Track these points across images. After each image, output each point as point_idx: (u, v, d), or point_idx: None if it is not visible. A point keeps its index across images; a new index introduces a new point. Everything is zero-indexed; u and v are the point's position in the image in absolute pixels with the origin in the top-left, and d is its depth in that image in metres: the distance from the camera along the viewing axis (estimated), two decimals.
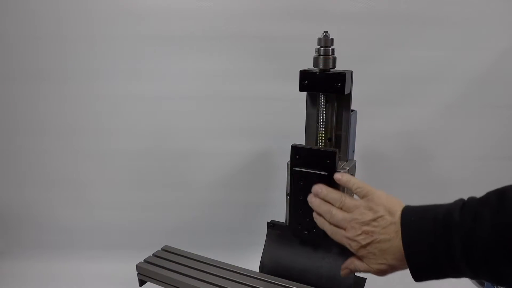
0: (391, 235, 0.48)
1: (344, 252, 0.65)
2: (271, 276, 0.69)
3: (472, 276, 0.44)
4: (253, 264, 0.73)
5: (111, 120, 1.00)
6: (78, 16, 0.93)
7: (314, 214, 0.59)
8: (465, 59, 0.97)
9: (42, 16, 0.93)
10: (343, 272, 0.58)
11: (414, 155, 1.04)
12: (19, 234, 1.08)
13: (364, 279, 0.70)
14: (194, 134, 1.02)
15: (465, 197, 0.46)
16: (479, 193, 0.45)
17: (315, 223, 0.63)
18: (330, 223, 0.56)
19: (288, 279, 0.67)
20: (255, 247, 0.77)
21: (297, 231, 0.66)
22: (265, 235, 0.73)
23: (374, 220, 0.50)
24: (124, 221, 1.06)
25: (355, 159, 0.70)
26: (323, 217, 0.57)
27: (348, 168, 0.63)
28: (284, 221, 0.71)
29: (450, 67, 0.98)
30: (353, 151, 0.70)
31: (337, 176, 0.59)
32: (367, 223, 0.51)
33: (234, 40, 0.95)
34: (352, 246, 0.52)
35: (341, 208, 0.55)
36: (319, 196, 0.58)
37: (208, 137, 1.02)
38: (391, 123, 1.01)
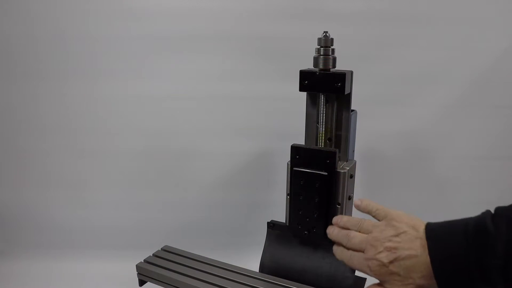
0: (418, 251, 0.44)
1: None
2: (271, 276, 0.69)
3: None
4: (253, 264, 0.73)
5: (111, 120, 1.00)
6: (78, 16, 0.93)
7: (334, 247, 0.57)
8: (465, 59, 0.97)
9: (42, 16, 0.93)
10: None
11: (414, 155, 1.04)
12: (19, 234, 1.08)
13: (364, 279, 0.70)
14: (194, 134, 1.02)
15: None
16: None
17: (315, 223, 0.63)
18: (348, 249, 0.52)
19: (288, 279, 0.67)
20: (255, 247, 0.77)
21: (297, 231, 0.66)
22: (265, 235, 0.73)
23: (397, 235, 0.46)
24: (124, 221, 1.06)
25: (355, 159, 0.70)
26: (342, 244, 0.54)
27: (348, 168, 0.63)
28: (284, 221, 0.71)
29: (450, 67, 0.98)
30: (353, 151, 0.70)
31: (357, 202, 0.56)
32: (389, 239, 0.47)
33: (234, 40, 0.95)
34: (372, 268, 0.47)
35: (359, 232, 0.52)
36: (339, 225, 0.56)
37: (208, 137, 1.02)
38: (391, 123, 1.01)
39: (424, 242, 0.44)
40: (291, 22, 0.94)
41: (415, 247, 0.45)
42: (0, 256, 1.05)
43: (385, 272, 0.46)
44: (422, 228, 0.46)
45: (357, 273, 0.65)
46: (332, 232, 0.57)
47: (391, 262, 0.46)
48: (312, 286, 0.65)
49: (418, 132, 1.02)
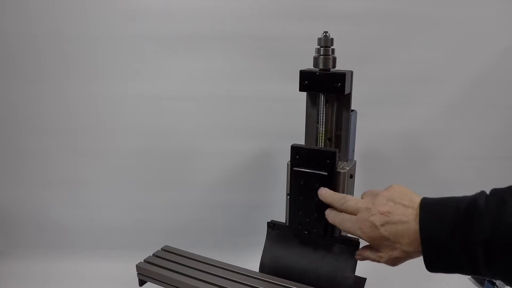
0: (409, 218, 0.46)
1: (344, 252, 0.66)
2: (271, 276, 0.69)
3: (485, 269, 0.41)
4: (253, 264, 0.73)
5: (111, 119, 1.00)
6: (78, 16, 0.93)
7: (327, 210, 0.58)
8: (465, 59, 0.97)
9: (42, 15, 0.93)
10: (356, 257, 0.57)
11: (414, 155, 1.04)
12: (19, 234, 1.08)
13: (364, 279, 0.70)
14: (194, 134, 1.02)
15: None
16: None
17: (315, 223, 0.63)
18: (341, 212, 0.54)
19: (288, 279, 0.67)
20: (255, 247, 0.77)
21: (297, 231, 0.66)
22: (265, 235, 0.73)
23: (392, 200, 0.48)
24: (124, 221, 1.06)
25: (355, 159, 0.70)
26: (334, 207, 0.56)
27: (348, 168, 0.63)
28: (284, 221, 0.71)
29: (450, 67, 0.98)
30: (353, 151, 0.70)
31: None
32: (383, 204, 0.48)
33: (235, 40, 0.95)
34: (364, 230, 0.49)
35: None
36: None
37: (208, 137, 1.02)
38: (391, 123, 1.01)
39: (417, 212, 0.45)
40: (291, 22, 0.94)
41: (407, 214, 0.46)
42: (0, 256, 1.05)
43: (376, 234, 0.48)
44: (418, 200, 0.47)
45: (357, 273, 0.66)
46: (325, 193, 0.57)
47: (382, 225, 0.47)
48: (312, 286, 0.65)
49: (418, 132, 1.02)
